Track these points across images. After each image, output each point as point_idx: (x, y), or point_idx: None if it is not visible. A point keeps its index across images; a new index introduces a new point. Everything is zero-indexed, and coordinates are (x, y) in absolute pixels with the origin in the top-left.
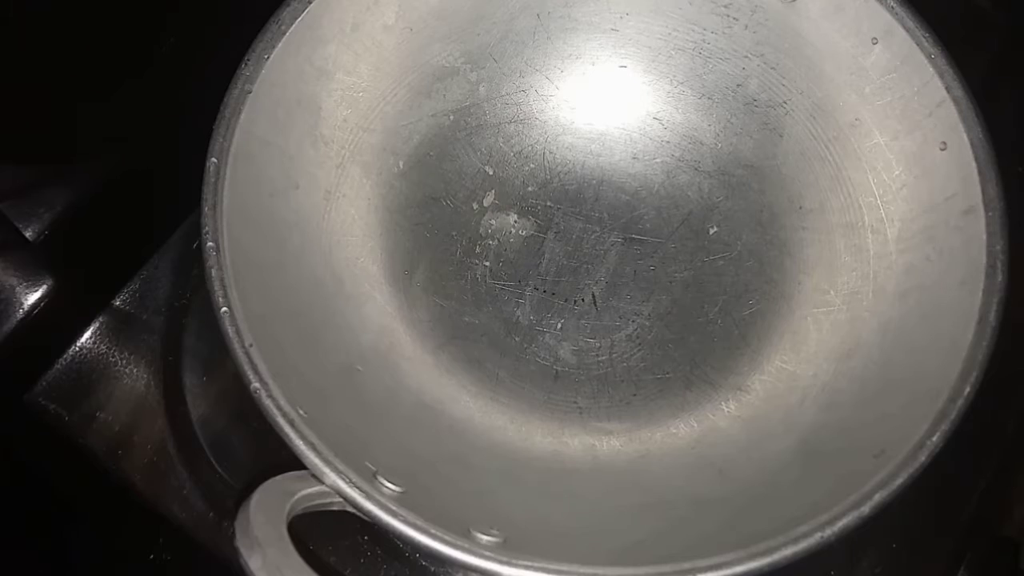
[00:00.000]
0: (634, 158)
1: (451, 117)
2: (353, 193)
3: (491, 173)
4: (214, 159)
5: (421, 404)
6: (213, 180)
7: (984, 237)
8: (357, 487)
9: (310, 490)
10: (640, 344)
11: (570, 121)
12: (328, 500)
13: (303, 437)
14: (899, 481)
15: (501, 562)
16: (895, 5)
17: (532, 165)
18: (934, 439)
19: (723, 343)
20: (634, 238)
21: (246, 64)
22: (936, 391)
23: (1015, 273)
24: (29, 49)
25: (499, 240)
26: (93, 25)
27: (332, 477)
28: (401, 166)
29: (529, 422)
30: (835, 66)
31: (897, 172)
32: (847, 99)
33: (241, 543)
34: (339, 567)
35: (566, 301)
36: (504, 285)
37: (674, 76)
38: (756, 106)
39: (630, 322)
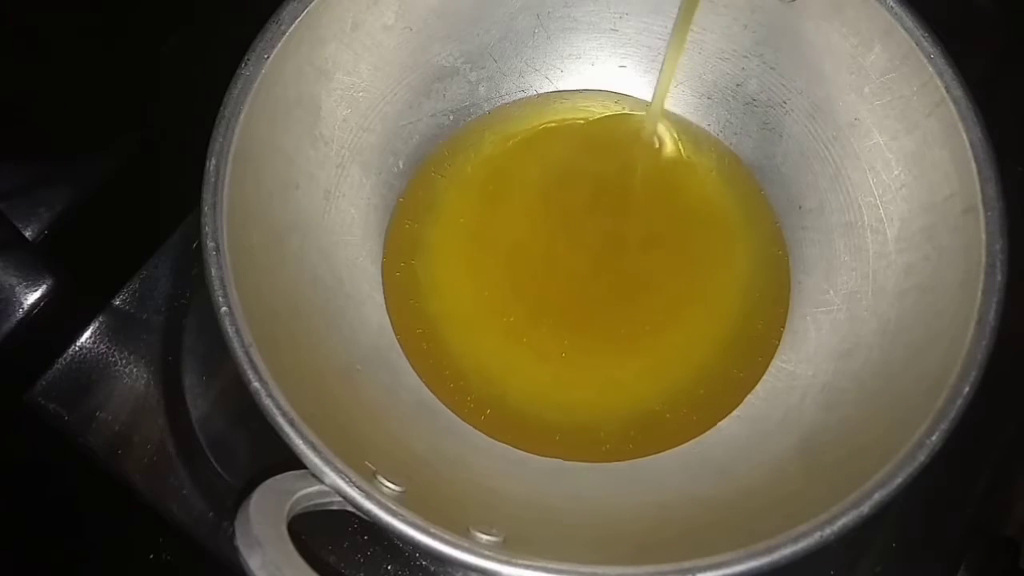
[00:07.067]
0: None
1: (451, 117)
2: (353, 193)
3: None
4: (214, 159)
5: (421, 404)
6: (213, 180)
7: (983, 237)
8: (357, 487)
9: (310, 489)
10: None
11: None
12: (328, 500)
13: (303, 437)
14: (899, 480)
15: (501, 562)
16: (895, 5)
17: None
18: (933, 438)
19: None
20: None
21: (246, 64)
22: (935, 390)
23: (1014, 273)
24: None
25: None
26: (93, 24)
27: (332, 477)
28: (401, 166)
29: None
30: (835, 66)
31: (896, 172)
32: (846, 99)
33: (241, 543)
34: (339, 567)
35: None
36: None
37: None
38: (756, 106)
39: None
